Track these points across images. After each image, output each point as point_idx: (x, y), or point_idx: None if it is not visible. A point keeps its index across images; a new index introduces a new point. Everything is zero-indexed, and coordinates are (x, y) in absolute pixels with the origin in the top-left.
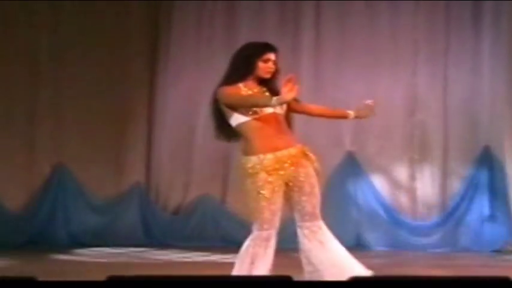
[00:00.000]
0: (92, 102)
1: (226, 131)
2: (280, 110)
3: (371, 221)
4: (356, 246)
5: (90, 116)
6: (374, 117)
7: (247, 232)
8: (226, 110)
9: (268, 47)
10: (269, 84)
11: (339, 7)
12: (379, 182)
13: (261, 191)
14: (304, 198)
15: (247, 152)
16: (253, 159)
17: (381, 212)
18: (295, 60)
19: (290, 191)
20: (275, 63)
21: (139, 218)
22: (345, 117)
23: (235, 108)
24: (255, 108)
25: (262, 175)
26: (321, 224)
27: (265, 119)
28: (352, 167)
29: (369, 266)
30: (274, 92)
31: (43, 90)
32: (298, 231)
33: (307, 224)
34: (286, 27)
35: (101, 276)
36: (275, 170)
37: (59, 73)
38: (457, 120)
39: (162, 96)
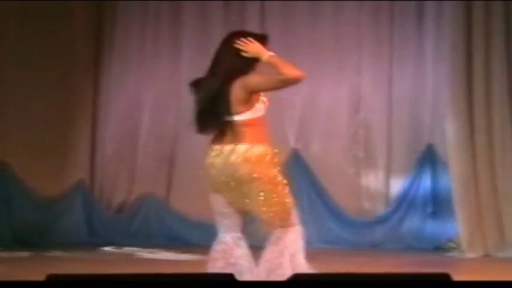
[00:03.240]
0: (36, 100)
1: (220, 125)
2: None
3: (315, 219)
4: None
5: (34, 114)
6: (319, 116)
7: (190, 230)
8: (243, 101)
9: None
10: None
11: (283, 6)
12: (323, 180)
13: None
14: None
15: (258, 140)
16: (266, 149)
17: (325, 209)
18: None
19: None
20: None
21: (83, 216)
22: None
23: (264, 91)
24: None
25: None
26: None
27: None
28: (296, 164)
29: (312, 264)
30: None
31: None
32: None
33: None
34: (231, 27)
35: (42, 274)
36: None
37: (2, 72)
38: (401, 119)
39: (106, 94)
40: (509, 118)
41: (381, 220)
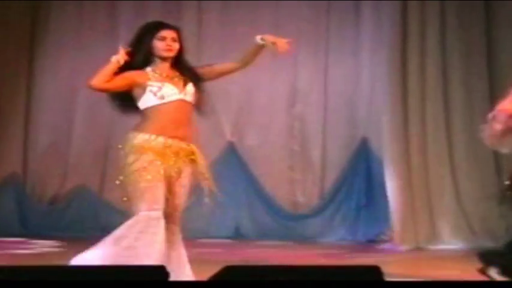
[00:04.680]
0: None
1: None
2: (190, 98)
3: (250, 212)
4: (235, 237)
5: None
6: (255, 108)
7: (124, 221)
8: (136, 93)
9: (160, 24)
10: (181, 66)
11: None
12: (258, 173)
13: (143, 173)
14: (170, 196)
15: (138, 129)
16: (141, 137)
17: (260, 202)
18: None
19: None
20: (175, 40)
21: (15, 208)
22: (258, 49)
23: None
24: (160, 93)
25: (149, 155)
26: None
27: (171, 106)
28: (232, 157)
29: (247, 256)
30: (189, 74)
31: None
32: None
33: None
34: (168, 20)
35: None
36: (162, 154)
37: None
38: (336, 113)
39: (40, 87)
40: (442, 113)
41: (315, 213)
